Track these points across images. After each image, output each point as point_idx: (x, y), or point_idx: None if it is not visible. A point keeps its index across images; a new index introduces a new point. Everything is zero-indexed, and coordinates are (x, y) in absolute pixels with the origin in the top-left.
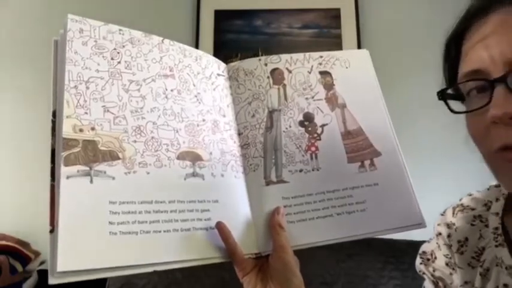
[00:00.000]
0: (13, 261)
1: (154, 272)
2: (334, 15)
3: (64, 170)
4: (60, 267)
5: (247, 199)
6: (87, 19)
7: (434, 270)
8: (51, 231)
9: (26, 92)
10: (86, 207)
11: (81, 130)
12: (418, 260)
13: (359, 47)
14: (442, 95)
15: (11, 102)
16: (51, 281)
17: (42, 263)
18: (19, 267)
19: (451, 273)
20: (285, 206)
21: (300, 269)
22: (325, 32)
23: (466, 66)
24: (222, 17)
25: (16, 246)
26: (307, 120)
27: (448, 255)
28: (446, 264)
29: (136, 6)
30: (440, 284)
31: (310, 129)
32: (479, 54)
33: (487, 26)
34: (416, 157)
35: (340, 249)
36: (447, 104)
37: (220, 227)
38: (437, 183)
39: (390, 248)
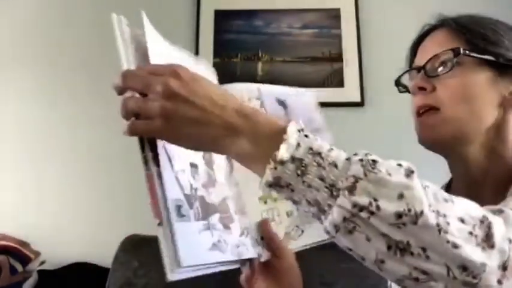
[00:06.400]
0: (13, 261)
1: (154, 272)
2: (334, 15)
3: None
4: (185, 261)
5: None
6: None
7: None
8: (160, 223)
9: (30, 92)
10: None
11: None
12: None
13: (359, 47)
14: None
15: (14, 102)
16: (172, 277)
17: (42, 263)
18: (19, 267)
19: None
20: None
21: (300, 269)
22: (325, 32)
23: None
24: (222, 17)
25: (16, 246)
26: None
27: None
28: None
29: (136, 6)
30: None
31: None
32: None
33: (431, 37)
34: (419, 156)
35: (341, 250)
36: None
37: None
38: None
39: None
